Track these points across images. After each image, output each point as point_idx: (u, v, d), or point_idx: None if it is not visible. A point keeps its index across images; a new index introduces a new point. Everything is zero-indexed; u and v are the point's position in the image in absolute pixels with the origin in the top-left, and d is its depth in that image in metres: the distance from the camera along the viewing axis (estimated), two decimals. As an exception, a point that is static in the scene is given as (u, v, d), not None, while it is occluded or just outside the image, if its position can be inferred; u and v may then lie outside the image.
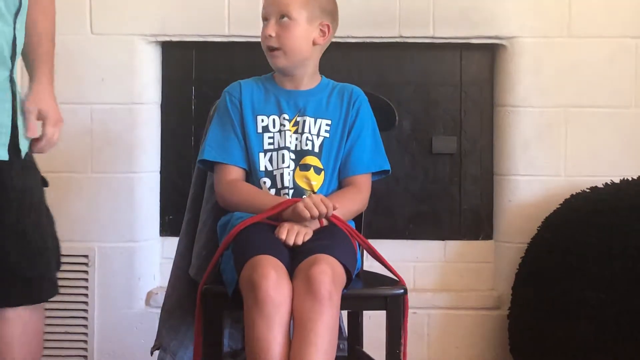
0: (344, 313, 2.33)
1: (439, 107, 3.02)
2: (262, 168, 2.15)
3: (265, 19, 2.14)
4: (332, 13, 2.23)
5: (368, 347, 2.35)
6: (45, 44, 2.01)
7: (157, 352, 2.30)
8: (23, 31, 1.91)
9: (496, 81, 3.00)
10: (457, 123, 3.03)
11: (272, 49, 2.17)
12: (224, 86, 2.27)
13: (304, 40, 2.13)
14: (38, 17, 1.91)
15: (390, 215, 2.93)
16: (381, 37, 2.91)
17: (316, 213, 2.00)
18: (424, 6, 2.90)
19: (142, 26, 2.82)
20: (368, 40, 2.89)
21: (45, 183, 1.96)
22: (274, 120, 2.18)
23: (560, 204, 2.81)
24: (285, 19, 2.11)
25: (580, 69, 2.90)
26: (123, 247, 2.84)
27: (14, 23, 1.86)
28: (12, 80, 1.86)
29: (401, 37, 2.91)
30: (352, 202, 2.14)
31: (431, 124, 3.02)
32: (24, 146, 1.87)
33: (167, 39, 2.82)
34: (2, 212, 1.84)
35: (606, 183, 2.76)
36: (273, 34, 2.12)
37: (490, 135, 3.02)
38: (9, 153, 1.84)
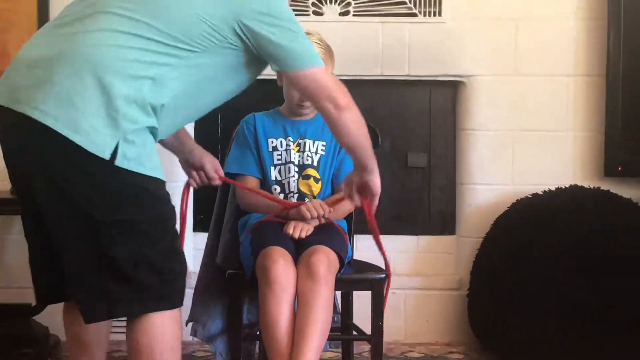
0: (338, 293, 2.41)
1: (413, 131, 3.17)
2: (273, 178, 2.33)
3: None
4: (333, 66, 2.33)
5: (357, 319, 2.48)
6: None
7: (190, 324, 2.39)
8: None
9: (458, 110, 3.16)
10: (427, 143, 3.18)
11: (305, 107, 2.29)
12: (244, 113, 2.42)
13: None
14: None
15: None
16: (368, 75, 3.08)
17: (315, 214, 2.21)
18: (401, 51, 3.06)
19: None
20: (358, 77, 3.06)
21: None
22: (281, 142, 2.35)
23: (508, 207, 2.98)
24: None
25: (526, 100, 3.08)
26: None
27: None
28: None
29: (383, 75, 3.08)
30: (342, 204, 2.28)
31: (406, 143, 3.17)
32: None
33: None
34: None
35: (544, 190, 2.95)
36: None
37: (453, 152, 3.17)
38: None
